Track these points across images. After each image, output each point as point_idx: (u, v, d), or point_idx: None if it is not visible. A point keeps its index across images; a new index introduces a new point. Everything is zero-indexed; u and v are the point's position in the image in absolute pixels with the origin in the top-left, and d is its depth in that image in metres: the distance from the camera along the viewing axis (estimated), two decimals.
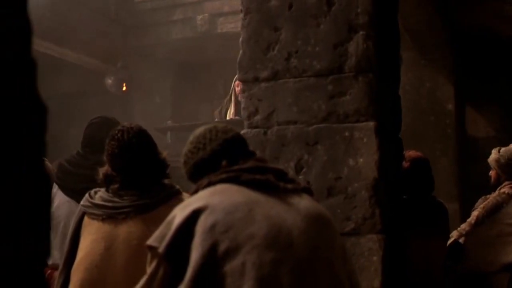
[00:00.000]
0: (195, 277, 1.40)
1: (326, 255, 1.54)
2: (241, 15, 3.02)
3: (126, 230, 2.08)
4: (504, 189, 3.52)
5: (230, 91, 6.60)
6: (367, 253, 2.66)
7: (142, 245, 2.05)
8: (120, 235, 2.08)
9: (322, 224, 1.59)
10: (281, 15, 2.91)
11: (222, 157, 1.64)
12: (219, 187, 1.56)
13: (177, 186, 2.26)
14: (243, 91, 2.98)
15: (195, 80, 7.94)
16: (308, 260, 1.49)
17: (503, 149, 3.61)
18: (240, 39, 3.00)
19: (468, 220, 3.59)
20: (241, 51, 2.99)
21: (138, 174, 2.19)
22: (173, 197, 2.18)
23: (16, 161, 0.79)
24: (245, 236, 1.44)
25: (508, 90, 6.57)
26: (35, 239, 0.82)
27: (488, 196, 4.24)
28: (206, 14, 7.08)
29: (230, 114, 6.51)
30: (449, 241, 3.49)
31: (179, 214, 1.51)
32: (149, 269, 1.53)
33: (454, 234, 3.55)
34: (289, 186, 1.60)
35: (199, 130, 1.73)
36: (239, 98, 6.49)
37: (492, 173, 3.67)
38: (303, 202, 1.58)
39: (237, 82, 6.52)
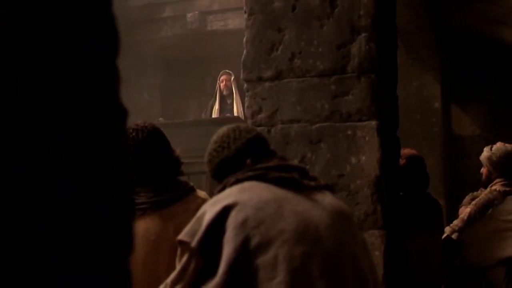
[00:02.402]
0: (228, 270, 1.47)
1: (351, 249, 1.63)
2: (245, 16, 3.08)
3: (144, 226, 2.14)
4: (495, 186, 3.62)
5: (216, 89, 6.66)
6: (370, 248, 2.74)
7: (159, 241, 2.12)
8: (138, 231, 2.13)
9: (345, 220, 1.68)
10: (284, 16, 2.98)
11: (246, 156, 1.71)
12: (247, 184, 1.63)
13: (191, 183, 2.33)
14: (247, 90, 3.05)
15: (184, 77, 7.98)
16: (335, 254, 1.57)
17: (494, 147, 3.72)
18: (244, 39, 3.06)
19: (461, 216, 3.69)
20: (245, 51, 3.05)
21: (153, 172, 2.25)
22: (188, 194, 2.24)
23: (101, 162, 0.85)
24: (275, 231, 1.52)
25: (492, 89, 6.72)
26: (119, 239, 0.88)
27: (475, 193, 4.36)
28: (196, 12, 7.13)
29: (215, 112, 6.58)
30: (442, 237, 3.59)
31: (209, 210, 1.58)
32: (180, 263, 1.60)
33: (447, 230, 3.65)
34: (312, 183, 1.68)
35: (223, 130, 1.80)
36: (224, 93, 6.58)
37: (483, 170, 3.76)
38: (327, 199, 1.67)
39: (221, 78, 6.60)
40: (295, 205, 1.59)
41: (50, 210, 0.69)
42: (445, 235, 3.61)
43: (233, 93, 6.54)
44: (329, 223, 1.60)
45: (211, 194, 2.10)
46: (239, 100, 6.41)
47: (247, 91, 3.04)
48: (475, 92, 6.73)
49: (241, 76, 3.07)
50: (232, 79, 6.52)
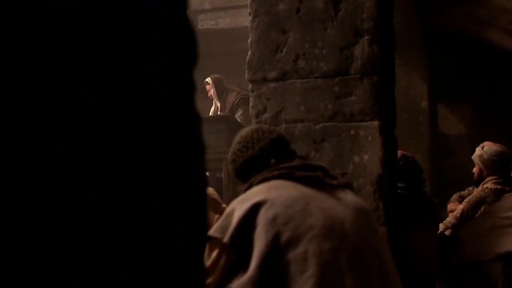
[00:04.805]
0: (260, 264, 1.56)
1: (373, 244, 1.72)
2: (250, 18, 3.15)
3: None
4: (487, 184, 3.74)
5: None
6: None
7: None
8: None
9: (366, 216, 1.77)
10: (289, 18, 3.06)
11: (270, 156, 1.79)
12: (273, 183, 1.71)
13: None
14: (251, 90, 3.12)
15: None
16: (360, 248, 1.67)
17: (486, 146, 3.84)
18: (249, 40, 3.13)
19: (454, 213, 3.81)
20: (249, 52, 3.13)
21: None
22: None
23: (176, 168, 0.92)
24: (304, 227, 1.61)
25: (478, 89, 6.87)
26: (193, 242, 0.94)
27: (462, 192, 4.48)
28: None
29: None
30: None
31: (238, 207, 1.65)
32: (209, 258, 1.67)
33: (440, 227, 3.76)
34: (335, 182, 1.77)
35: (246, 131, 1.88)
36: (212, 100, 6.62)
37: (475, 169, 3.88)
38: (349, 196, 1.76)
39: (207, 86, 6.62)
40: (321, 203, 1.68)
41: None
42: (438, 231, 3.72)
43: (215, 99, 6.58)
44: (353, 219, 1.69)
45: None
46: (219, 101, 6.48)
47: (252, 91, 3.12)
48: (462, 92, 6.88)
49: (246, 76, 3.14)
50: (209, 87, 6.54)
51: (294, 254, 1.57)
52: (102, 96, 0.81)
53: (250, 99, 3.14)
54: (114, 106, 0.83)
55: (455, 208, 3.98)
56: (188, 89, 0.95)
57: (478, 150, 3.85)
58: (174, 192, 0.87)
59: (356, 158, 2.93)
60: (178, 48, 0.96)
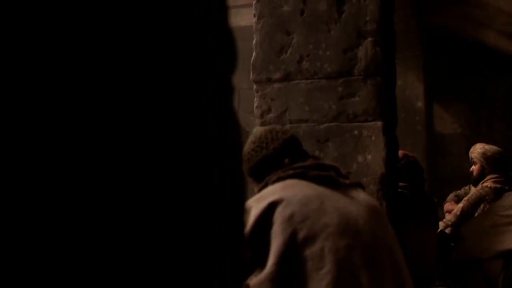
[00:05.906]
0: (278, 261, 1.60)
1: (386, 242, 1.78)
2: (254, 19, 3.20)
3: None
4: (487, 183, 3.81)
5: None
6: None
7: None
8: None
9: (378, 214, 1.82)
10: (293, 20, 3.11)
11: (284, 156, 1.84)
12: (288, 182, 1.76)
13: None
14: (256, 90, 3.17)
15: None
16: (373, 246, 1.72)
17: (487, 145, 3.90)
18: (253, 41, 3.18)
19: (453, 211, 3.87)
20: (254, 53, 3.17)
21: None
22: None
23: (214, 163, 0.96)
24: (320, 225, 1.66)
25: (473, 89, 6.94)
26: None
27: (458, 191, 4.55)
28: None
29: None
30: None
31: (255, 206, 1.70)
32: None
33: (440, 225, 3.82)
34: (347, 181, 1.82)
35: (260, 131, 1.93)
36: None
37: (474, 167, 3.93)
38: (361, 195, 1.81)
39: None
40: (335, 201, 1.73)
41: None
42: (438, 230, 3.78)
43: None
44: (366, 217, 1.74)
45: None
46: None
47: (257, 91, 3.16)
48: (457, 92, 6.95)
49: (251, 77, 3.18)
50: None
51: (310, 252, 1.62)
52: (145, 99, 0.84)
53: (255, 99, 3.18)
54: (159, 108, 0.86)
55: (452, 208, 4.05)
56: (229, 91, 1.00)
57: (479, 148, 3.91)
58: (217, 190, 0.91)
59: (360, 158, 2.98)
60: (221, 51, 0.99)
